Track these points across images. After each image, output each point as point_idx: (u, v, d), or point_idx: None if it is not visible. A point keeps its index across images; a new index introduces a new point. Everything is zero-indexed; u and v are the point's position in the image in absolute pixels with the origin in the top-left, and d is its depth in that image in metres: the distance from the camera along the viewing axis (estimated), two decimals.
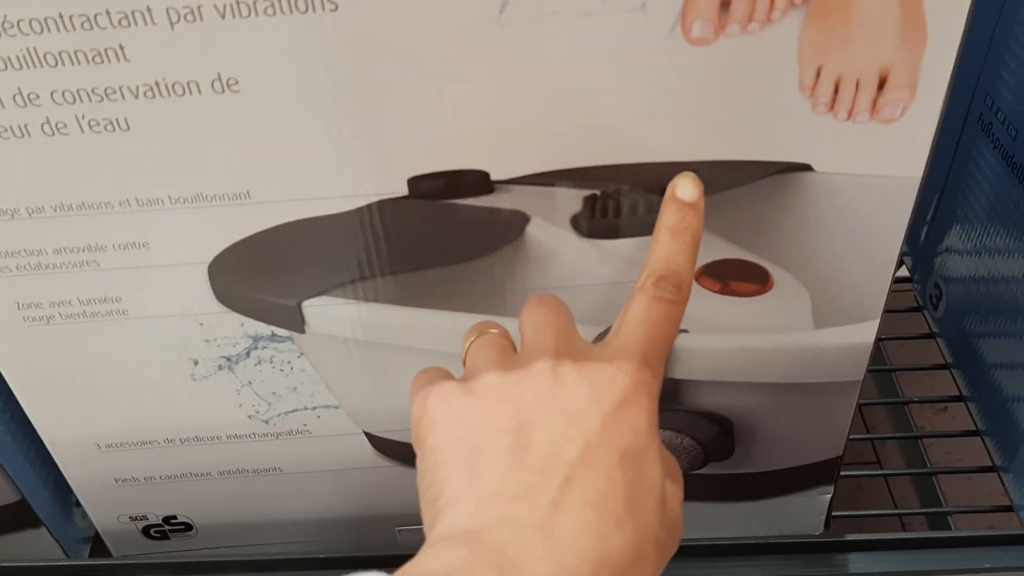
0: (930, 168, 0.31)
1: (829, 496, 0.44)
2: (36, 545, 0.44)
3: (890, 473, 0.52)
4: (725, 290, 0.35)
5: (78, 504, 0.45)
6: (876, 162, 0.31)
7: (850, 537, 0.38)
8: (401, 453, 0.40)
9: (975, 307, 0.52)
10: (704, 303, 0.35)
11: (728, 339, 0.36)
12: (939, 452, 0.54)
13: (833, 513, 0.45)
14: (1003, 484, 0.49)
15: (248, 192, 0.30)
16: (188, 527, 0.43)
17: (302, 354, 0.35)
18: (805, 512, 0.45)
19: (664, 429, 0.39)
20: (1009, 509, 0.47)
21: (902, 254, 0.34)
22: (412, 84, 0.28)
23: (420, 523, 0.43)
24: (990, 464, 0.50)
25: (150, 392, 0.36)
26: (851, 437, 0.47)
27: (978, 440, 0.51)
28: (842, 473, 0.44)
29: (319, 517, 0.42)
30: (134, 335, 0.34)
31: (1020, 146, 0.45)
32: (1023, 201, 0.45)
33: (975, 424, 0.51)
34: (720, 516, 0.44)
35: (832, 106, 0.30)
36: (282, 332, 0.35)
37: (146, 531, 0.43)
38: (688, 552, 0.38)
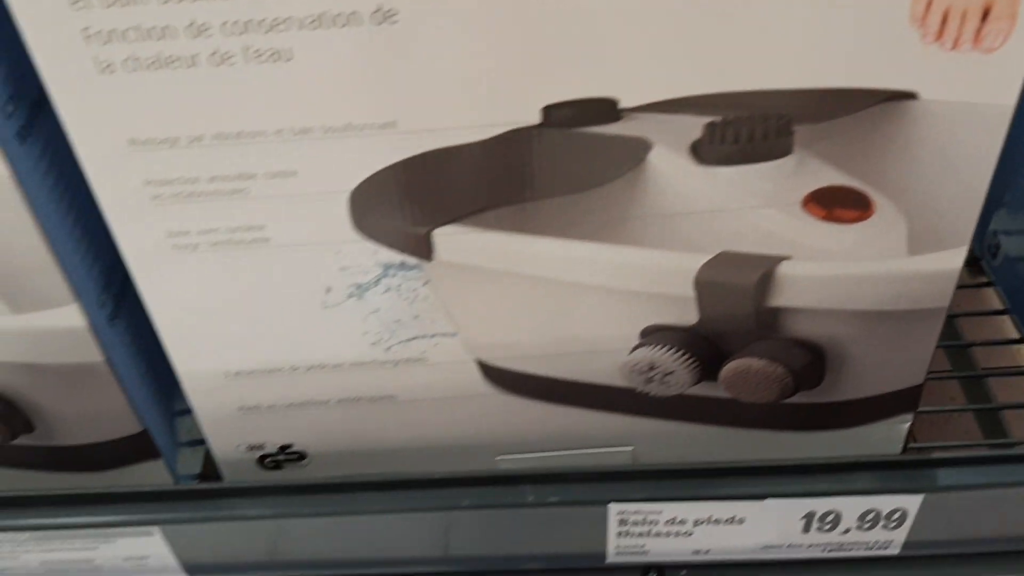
0: None
1: (908, 424, 0.46)
2: (152, 478, 0.46)
3: (959, 408, 0.54)
4: (829, 216, 0.37)
5: (188, 443, 0.48)
6: (975, 90, 0.33)
7: (939, 455, 0.40)
8: (509, 381, 0.42)
9: None
10: (809, 229, 0.37)
11: (829, 266, 0.38)
12: (1001, 395, 0.56)
13: (909, 445, 0.48)
14: None
15: (395, 122, 0.32)
16: (301, 456, 0.45)
17: (427, 282, 0.38)
18: (885, 441, 0.47)
19: (759, 357, 0.41)
20: None
21: None
22: (558, 15, 0.30)
23: (521, 452, 0.46)
24: None
25: (283, 320, 0.38)
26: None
27: None
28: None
29: (425, 446, 0.45)
30: (274, 263, 0.36)
31: None
32: None
33: None
34: (804, 446, 0.46)
35: (940, 36, 0.32)
36: (411, 260, 0.37)
37: (261, 460, 0.45)
38: (770, 471, 0.40)
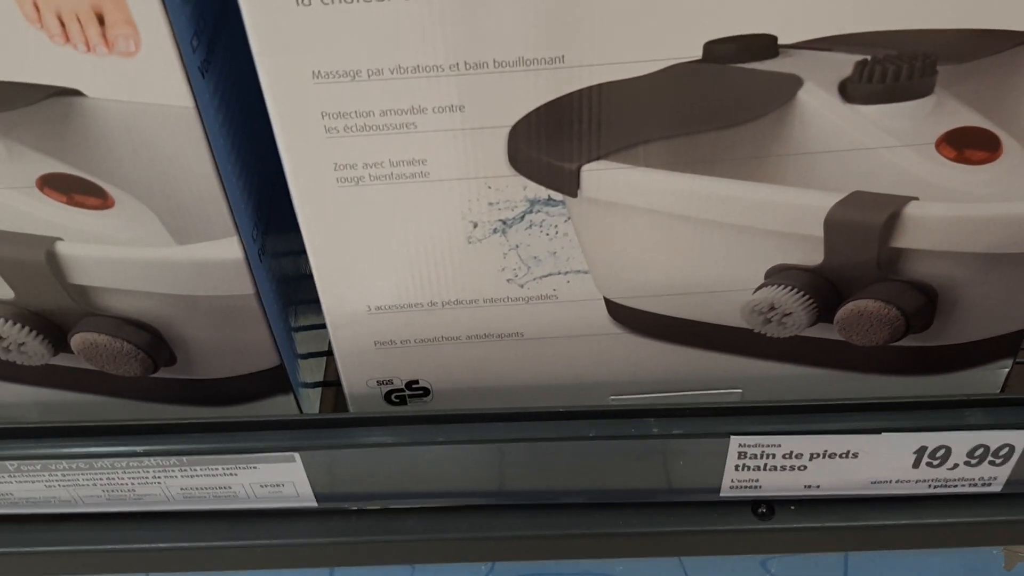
0: None
1: (1007, 371, 0.48)
2: (281, 412, 0.48)
3: None
4: (960, 158, 0.38)
5: (308, 385, 0.49)
6: None
7: None
8: (633, 320, 0.44)
9: None
10: (939, 170, 0.39)
11: (955, 207, 0.40)
12: None
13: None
14: None
15: (563, 56, 0.34)
16: (426, 392, 0.47)
17: (569, 218, 0.39)
18: (983, 386, 0.48)
19: (875, 299, 0.43)
20: None
21: None
22: None
23: (633, 392, 0.48)
24: None
25: (428, 255, 0.40)
26: None
27: None
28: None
29: (546, 383, 0.46)
30: (430, 197, 0.38)
31: None
32: None
33: None
34: (905, 390, 0.48)
35: None
36: (557, 196, 0.38)
37: (388, 396, 0.47)
38: (886, 407, 0.42)
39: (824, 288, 0.43)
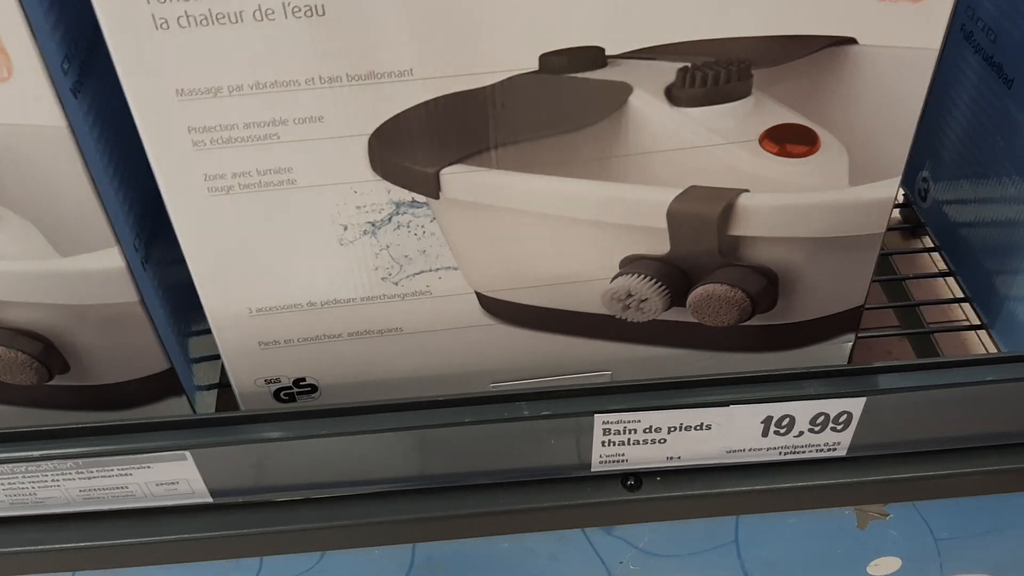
0: None
1: (851, 344, 0.52)
2: (176, 413, 0.50)
3: (898, 332, 0.61)
4: (782, 152, 0.42)
5: (203, 387, 0.52)
6: (906, 35, 0.39)
7: (880, 364, 0.46)
8: (504, 312, 0.47)
9: (959, 197, 0.60)
10: (764, 164, 0.43)
11: (780, 197, 0.44)
12: (933, 322, 0.62)
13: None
14: (991, 338, 0.58)
15: (411, 70, 0.37)
16: (313, 389, 0.49)
17: (434, 219, 0.42)
18: (831, 359, 0.53)
19: (721, 283, 0.47)
20: None
21: None
22: None
23: (511, 379, 0.51)
24: (978, 323, 0.58)
25: (303, 258, 0.43)
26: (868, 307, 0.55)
27: (966, 306, 0.60)
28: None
29: (426, 375, 0.50)
30: (299, 203, 0.41)
31: (999, 47, 0.54)
32: (1003, 94, 0.53)
33: (964, 294, 0.60)
34: (760, 365, 0.52)
35: None
36: (420, 198, 0.42)
37: (276, 394, 0.49)
38: (733, 382, 0.46)
39: (674, 275, 0.47)
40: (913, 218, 0.66)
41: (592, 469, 0.49)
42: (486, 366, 0.50)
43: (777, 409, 0.46)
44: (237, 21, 0.35)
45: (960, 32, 0.58)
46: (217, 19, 0.35)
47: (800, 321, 0.50)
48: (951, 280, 0.62)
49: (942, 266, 0.62)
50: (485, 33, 0.36)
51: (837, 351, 0.53)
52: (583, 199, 0.42)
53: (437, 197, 0.42)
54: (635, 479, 0.50)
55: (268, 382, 0.49)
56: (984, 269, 0.58)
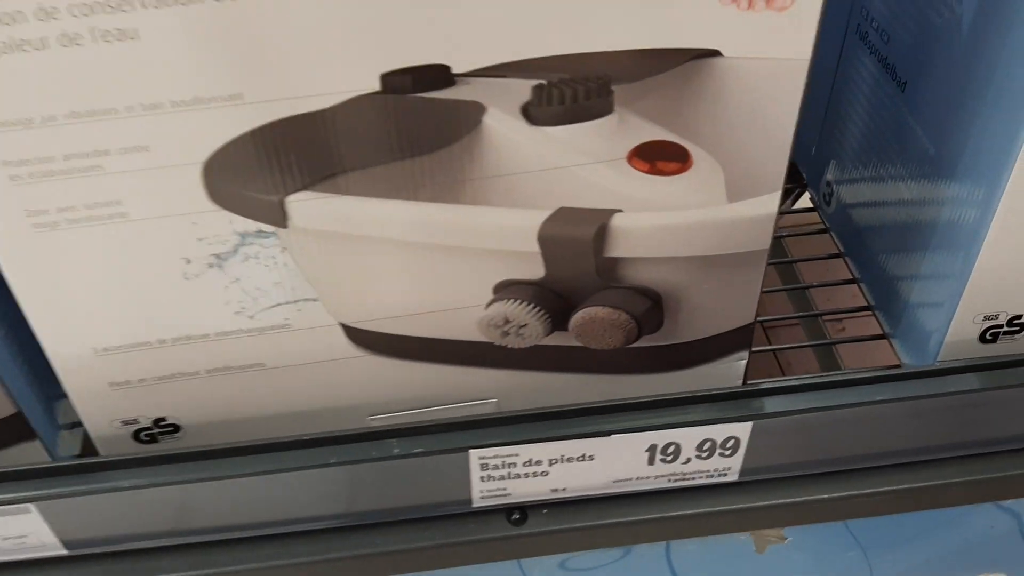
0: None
1: (744, 362, 0.51)
2: (30, 459, 0.47)
3: (796, 346, 0.59)
4: (653, 170, 0.40)
5: (67, 426, 0.48)
6: (773, 46, 0.37)
7: (766, 385, 0.45)
8: (374, 343, 0.45)
9: (862, 201, 0.59)
10: (635, 183, 0.40)
11: (655, 216, 0.42)
12: (836, 331, 0.61)
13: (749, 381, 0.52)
14: (892, 348, 0.56)
15: (240, 94, 0.34)
16: (176, 428, 0.46)
17: (285, 249, 0.40)
18: (725, 379, 0.51)
19: (602, 306, 0.45)
20: (897, 367, 0.54)
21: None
22: None
23: (391, 411, 0.48)
24: (881, 333, 0.57)
25: (146, 293, 0.40)
26: (759, 320, 0.54)
27: (870, 315, 0.58)
28: (754, 348, 0.51)
29: (299, 410, 0.47)
30: (133, 237, 0.38)
31: (892, 48, 0.52)
32: (896, 96, 0.52)
33: (867, 301, 0.59)
34: (654, 387, 0.50)
35: None
36: (267, 228, 0.39)
37: (136, 435, 0.46)
38: (614, 409, 0.44)
39: (552, 299, 0.44)
40: (819, 223, 0.65)
41: (474, 504, 0.46)
42: (362, 399, 0.47)
43: (661, 437, 0.44)
44: (42, 48, 0.32)
45: (856, 32, 0.56)
46: (20, 46, 0.32)
47: (689, 341, 0.48)
48: (858, 287, 0.60)
49: (847, 274, 0.60)
50: (318, 53, 0.34)
51: (731, 369, 0.51)
52: (443, 225, 0.40)
53: (285, 226, 0.39)
54: (520, 513, 0.47)
55: (125, 423, 0.45)
56: (886, 276, 0.57)
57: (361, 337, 0.44)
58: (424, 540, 0.46)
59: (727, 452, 0.46)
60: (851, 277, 0.60)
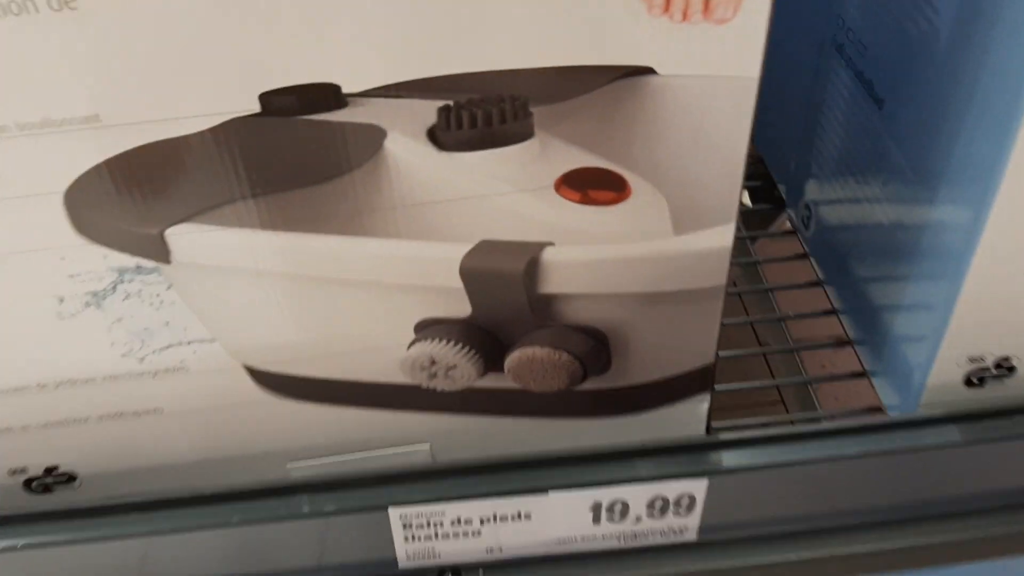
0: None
1: (706, 404, 0.46)
2: None
3: (769, 384, 0.54)
4: (585, 199, 0.36)
5: None
6: (715, 63, 0.32)
7: (724, 436, 0.40)
8: (283, 386, 0.40)
9: (842, 225, 0.54)
10: (566, 213, 0.36)
11: (592, 250, 0.37)
12: (814, 365, 0.56)
13: (713, 424, 0.47)
14: (873, 388, 0.51)
15: (97, 115, 0.30)
16: (71, 478, 0.42)
17: (171, 286, 0.35)
18: (686, 422, 0.46)
19: (541, 346, 0.40)
20: (879, 410, 0.49)
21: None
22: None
23: (312, 456, 0.44)
24: (860, 371, 0.52)
25: (18, 334, 0.36)
26: (735, 354, 0.49)
27: (849, 350, 0.53)
28: (720, 387, 0.46)
29: (206, 458, 0.42)
30: None
31: (868, 62, 0.47)
32: (873, 114, 0.47)
33: (847, 335, 0.54)
34: (606, 432, 0.45)
35: (667, 8, 0.31)
36: (147, 263, 0.34)
37: (27, 484, 0.42)
38: (552, 463, 0.39)
39: (482, 338, 0.40)
40: (799, 248, 0.60)
41: (400, 566, 0.42)
42: (279, 445, 0.43)
43: (605, 494, 0.40)
44: None
45: (832, 43, 0.51)
46: None
47: (643, 383, 0.44)
48: (837, 318, 0.55)
49: (827, 304, 0.56)
50: (183, 70, 0.29)
51: (692, 412, 0.46)
52: (348, 259, 0.35)
53: (168, 262, 0.34)
54: (453, 573, 0.43)
55: (13, 472, 0.41)
56: (867, 307, 0.52)
57: (269, 380, 0.40)
58: None
59: (682, 511, 0.41)
60: (830, 308, 0.56)
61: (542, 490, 0.39)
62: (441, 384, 0.42)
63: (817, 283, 0.57)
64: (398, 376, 0.41)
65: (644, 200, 0.36)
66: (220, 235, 0.34)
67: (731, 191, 0.36)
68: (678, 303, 0.40)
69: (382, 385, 0.41)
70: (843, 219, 0.54)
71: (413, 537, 0.40)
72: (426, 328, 0.39)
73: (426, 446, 0.45)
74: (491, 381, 0.42)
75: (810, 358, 0.56)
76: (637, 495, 0.40)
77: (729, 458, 0.40)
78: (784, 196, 0.61)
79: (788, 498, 0.42)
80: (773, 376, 0.56)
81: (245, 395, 0.40)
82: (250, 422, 0.41)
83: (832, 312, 0.55)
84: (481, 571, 0.43)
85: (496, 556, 0.42)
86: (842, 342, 0.54)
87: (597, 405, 0.45)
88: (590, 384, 0.43)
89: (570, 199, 0.35)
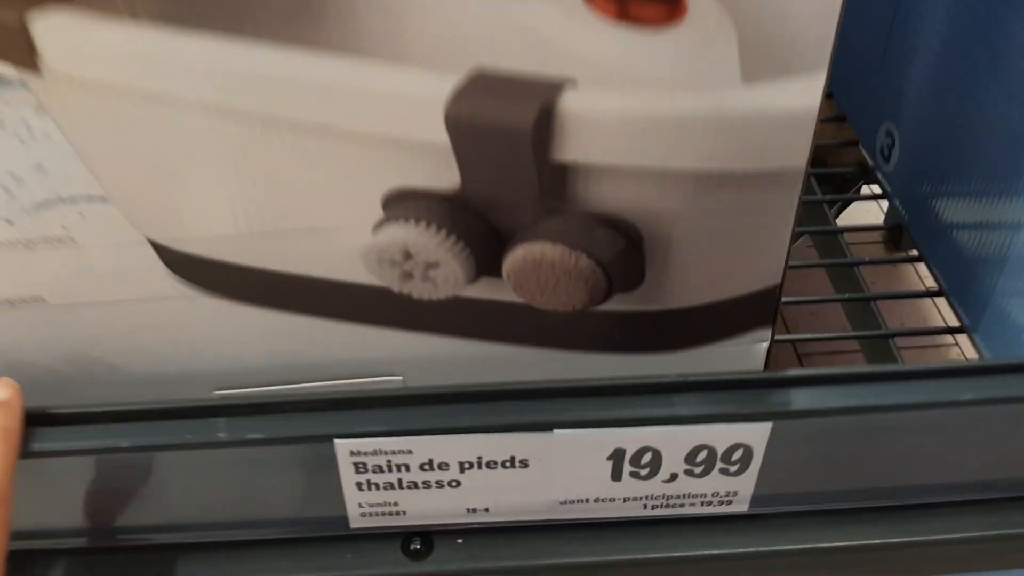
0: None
1: (766, 344, 0.35)
2: None
3: (840, 336, 0.44)
4: (624, 15, 0.25)
5: None
6: None
7: (794, 373, 0.29)
8: (201, 275, 0.30)
9: (932, 159, 0.43)
10: (596, 37, 0.26)
11: (628, 99, 0.27)
12: (893, 321, 0.45)
13: None
14: (974, 343, 0.41)
15: None
16: None
17: (42, 110, 0.25)
18: (740, 366, 0.36)
19: (552, 242, 0.30)
20: None
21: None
22: None
23: (246, 386, 0.34)
24: (955, 327, 0.41)
25: None
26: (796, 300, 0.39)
27: (943, 302, 0.43)
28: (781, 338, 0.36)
29: (98, 372, 0.32)
30: None
31: None
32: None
33: (939, 286, 0.43)
34: (633, 373, 0.35)
35: None
36: (7, 71, 0.25)
37: None
38: (561, 393, 0.29)
39: (474, 225, 0.30)
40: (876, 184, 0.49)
41: (351, 525, 0.32)
42: (202, 365, 0.33)
43: (630, 438, 0.29)
44: None
45: None
46: None
47: (684, 308, 0.33)
48: (927, 266, 0.45)
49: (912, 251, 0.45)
50: None
51: (747, 356, 0.36)
52: (284, 83, 0.25)
53: (37, 70, 0.24)
54: (422, 541, 0.32)
55: None
56: (964, 254, 0.41)
57: (183, 265, 0.30)
58: (267, 573, 0.32)
59: (733, 468, 0.30)
60: (915, 254, 0.45)
61: (546, 427, 0.29)
62: (419, 290, 0.31)
63: (898, 226, 0.47)
64: (361, 273, 0.31)
65: (705, 25, 0.26)
66: (109, 33, 0.24)
67: (826, 25, 0.26)
68: (740, 189, 0.30)
69: (338, 285, 0.31)
70: (937, 147, 0.43)
71: (368, 484, 0.30)
72: (398, 203, 0.29)
73: (398, 379, 0.35)
74: (485, 291, 0.32)
75: (888, 313, 0.45)
76: (673, 442, 0.30)
77: (801, 398, 0.29)
78: (855, 127, 0.51)
79: (875, 457, 0.31)
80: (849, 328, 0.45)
81: (152, 286, 0.30)
82: (160, 328, 0.31)
83: (918, 259, 0.45)
84: (459, 539, 0.33)
85: (480, 519, 0.32)
86: (930, 292, 0.43)
87: (622, 335, 0.34)
88: (615, 304, 0.33)
89: (604, 14, 0.25)
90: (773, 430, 0.29)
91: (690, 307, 0.33)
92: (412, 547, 0.32)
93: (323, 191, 0.28)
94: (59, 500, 0.30)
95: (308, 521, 0.32)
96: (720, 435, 0.29)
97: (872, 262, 0.46)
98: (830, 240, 0.47)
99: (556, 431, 0.29)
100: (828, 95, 0.53)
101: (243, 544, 0.32)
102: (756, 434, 0.29)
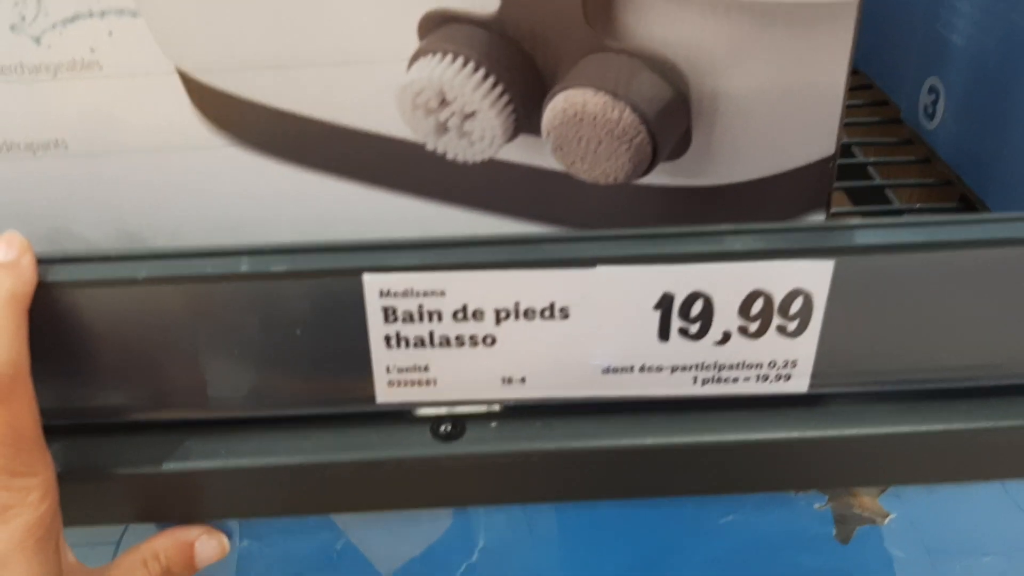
0: None
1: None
2: None
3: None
4: None
5: None
6: None
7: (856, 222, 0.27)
8: (231, 117, 0.29)
9: (985, 116, 0.42)
10: None
11: None
12: None
13: None
14: None
15: None
16: None
17: None
18: None
19: (597, 89, 0.29)
20: None
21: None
22: None
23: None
24: None
25: None
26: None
27: None
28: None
29: (124, 228, 0.31)
30: None
31: None
32: None
33: None
34: None
35: None
36: None
37: None
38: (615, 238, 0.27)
39: (513, 60, 0.29)
40: (917, 145, 0.48)
41: (379, 400, 0.29)
42: (232, 218, 0.31)
43: (679, 278, 0.27)
44: None
45: None
46: None
47: (733, 184, 0.32)
48: None
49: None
50: None
51: None
52: None
53: None
54: (452, 424, 0.30)
55: None
56: None
57: (209, 104, 0.29)
58: (285, 455, 0.29)
59: (791, 325, 0.28)
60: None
61: (588, 263, 0.27)
62: (454, 148, 0.30)
63: (948, 182, 0.45)
64: (395, 125, 0.30)
65: None
66: None
67: None
68: (792, 25, 0.28)
69: (371, 138, 0.30)
70: (992, 102, 0.42)
71: (399, 339, 0.28)
72: (435, 32, 0.28)
73: None
74: (524, 154, 0.31)
75: None
76: (726, 286, 0.27)
77: (866, 236, 0.27)
78: (885, 89, 0.50)
79: (951, 331, 0.29)
80: None
81: (178, 132, 0.29)
82: (185, 187, 0.30)
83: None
84: (493, 423, 0.30)
85: (515, 394, 0.29)
86: None
87: (667, 219, 0.32)
88: (659, 177, 0.31)
89: None
90: (835, 272, 0.27)
91: (739, 183, 0.32)
92: (442, 429, 0.30)
93: (356, 12, 0.27)
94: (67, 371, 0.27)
95: (332, 399, 0.29)
96: (778, 276, 0.27)
97: (918, 209, 0.44)
98: (875, 195, 0.46)
99: (599, 267, 0.27)
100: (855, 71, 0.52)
101: (261, 422, 0.30)
102: (817, 276, 0.27)
